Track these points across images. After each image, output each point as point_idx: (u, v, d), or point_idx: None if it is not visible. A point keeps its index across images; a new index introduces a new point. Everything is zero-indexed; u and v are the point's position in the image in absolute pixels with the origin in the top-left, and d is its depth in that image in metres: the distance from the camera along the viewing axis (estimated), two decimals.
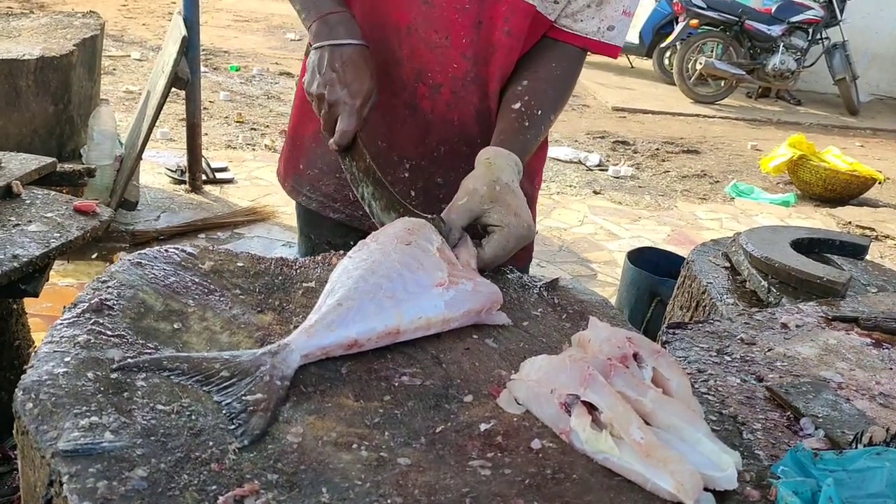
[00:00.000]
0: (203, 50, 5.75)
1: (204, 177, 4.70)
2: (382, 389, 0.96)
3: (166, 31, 4.76)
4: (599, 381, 0.91)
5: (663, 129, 8.04)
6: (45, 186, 2.13)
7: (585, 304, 1.28)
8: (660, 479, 0.83)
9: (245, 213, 4.38)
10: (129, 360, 0.91)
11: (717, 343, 1.31)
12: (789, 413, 1.10)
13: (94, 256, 3.66)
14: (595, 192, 5.82)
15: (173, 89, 3.94)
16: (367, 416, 0.91)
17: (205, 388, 0.90)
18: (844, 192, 6.27)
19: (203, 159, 4.73)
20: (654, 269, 3.18)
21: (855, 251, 2.11)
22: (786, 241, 2.00)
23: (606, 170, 6.43)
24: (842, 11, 9.63)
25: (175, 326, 1.02)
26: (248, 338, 1.02)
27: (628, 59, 10.41)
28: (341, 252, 1.25)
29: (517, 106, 1.41)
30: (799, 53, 9.48)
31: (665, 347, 1.25)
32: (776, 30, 9.33)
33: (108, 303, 1.02)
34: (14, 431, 0.85)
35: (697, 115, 8.79)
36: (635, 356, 0.99)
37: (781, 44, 9.35)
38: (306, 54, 1.63)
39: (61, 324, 0.96)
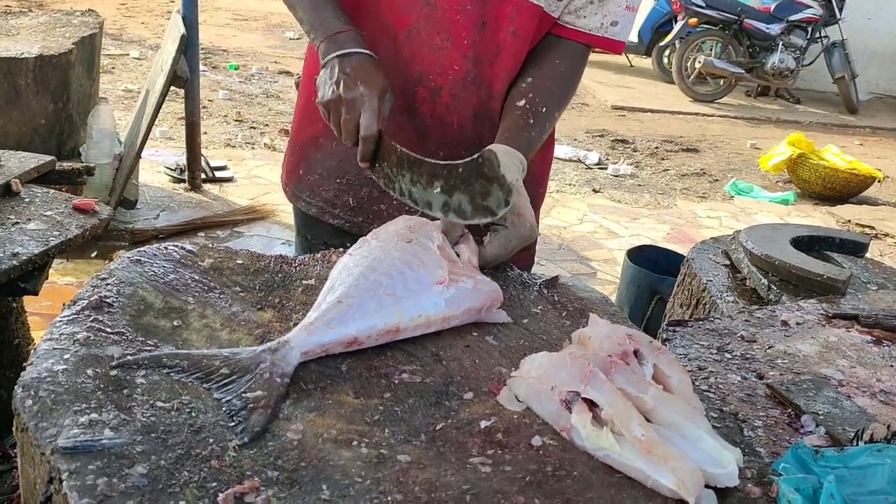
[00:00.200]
0: (202, 48, 5.75)
1: (203, 175, 4.70)
2: (383, 387, 0.96)
3: (165, 29, 4.76)
4: (600, 377, 0.91)
5: (662, 128, 8.04)
6: (44, 185, 2.13)
7: (585, 301, 1.28)
8: (661, 476, 0.83)
9: (244, 212, 4.38)
10: (128, 357, 0.91)
11: (717, 340, 1.31)
12: (790, 410, 1.09)
13: (93, 255, 3.65)
14: (594, 191, 5.82)
15: (172, 88, 3.93)
16: (368, 414, 0.91)
17: (205, 386, 0.90)
18: (844, 190, 6.27)
19: (202, 158, 4.72)
20: (654, 267, 3.18)
21: (855, 249, 2.11)
22: (786, 239, 2.00)
23: (606, 168, 6.43)
24: (841, 10, 9.63)
25: (175, 324, 1.02)
26: (247, 335, 1.02)
27: (627, 57, 10.40)
28: (341, 249, 1.25)
29: (521, 103, 1.40)
30: (798, 52, 9.48)
31: (665, 345, 1.25)
32: (775, 28, 9.33)
33: (107, 300, 1.02)
34: (14, 429, 0.85)
35: (697, 114, 8.79)
36: (636, 353, 0.99)
37: (780, 42, 9.34)
38: (307, 54, 1.63)
39: (61, 321, 0.96)
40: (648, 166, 6.72)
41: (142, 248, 1.16)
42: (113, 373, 0.89)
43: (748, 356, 1.26)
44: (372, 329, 1.01)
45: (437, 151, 1.47)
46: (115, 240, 3.80)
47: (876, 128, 9.39)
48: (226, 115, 6.31)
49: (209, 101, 6.44)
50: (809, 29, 9.51)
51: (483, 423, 0.91)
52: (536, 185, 1.62)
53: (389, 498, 0.78)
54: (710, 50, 9.41)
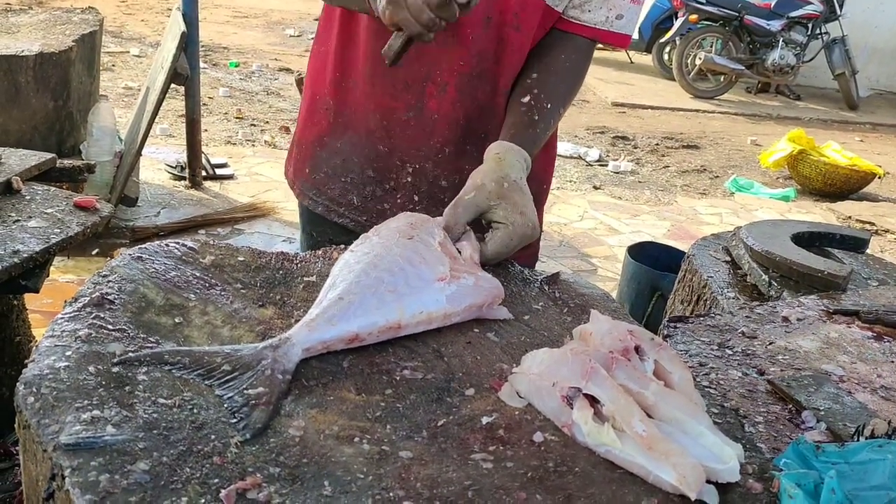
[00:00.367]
0: (202, 46, 5.74)
1: (204, 173, 4.70)
2: (384, 383, 0.96)
3: (165, 27, 4.76)
4: (601, 373, 0.91)
5: (663, 125, 8.04)
6: (44, 182, 2.13)
7: (586, 297, 1.28)
8: (662, 472, 0.83)
9: (245, 209, 4.38)
10: (130, 354, 0.91)
11: (718, 336, 1.31)
12: (791, 406, 1.10)
13: (94, 252, 3.65)
14: (595, 188, 5.82)
15: (173, 85, 3.94)
16: (369, 410, 0.91)
17: (206, 382, 0.90)
18: (844, 186, 6.27)
19: (203, 155, 4.73)
20: (655, 263, 3.18)
21: (855, 245, 2.11)
22: (786, 235, 2.00)
23: (606, 165, 6.43)
24: (841, 6, 9.62)
25: (176, 321, 1.02)
26: (249, 332, 1.02)
27: (627, 54, 10.40)
28: (342, 246, 1.24)
29: (526, 99, 1.40)
30: (798, 48, 9.48)
31: (666, 341, 1.25)
32: (775, 25, 9.32)
33: (108, 297, 1.02)
34: (16, 426, 0.85)
35: (697, 111, 8.79)
36: (637, 349, 0.99)
37: (781, 39, 9.34)
38: (311, 53, 1.62)
39: (62, 318, 0.96)
40: (649, 163, 6.72)
41: (143, 246, 1.16)
42: (115, 370, 0.89)
43: (749, 352, 1.26)
44: (373, 326, 1.01)
45: (444, 148, 1.46)
46: (116, 237, 3.80)
47: (876, 124, 9.39)
48: (226, 113, 6.31)
49: (209, 98, 6.44)
50: (810, 25, 9.51)
51: (484, 420, 0.91)
52: (540, 182, 1.62)
53: (391, 494, 0.78)
54: (711, 46, 9.41)
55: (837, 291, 1.67)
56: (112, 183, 3.89)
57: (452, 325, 1.10)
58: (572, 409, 0.90)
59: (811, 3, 9.42)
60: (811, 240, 2.06)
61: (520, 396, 0.96)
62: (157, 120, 4.03)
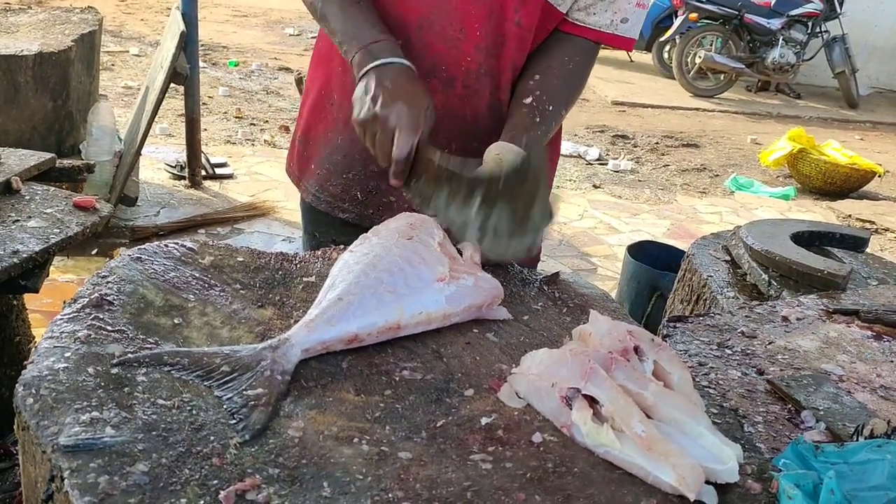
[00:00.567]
0: (202, 45, 5.74)
1: (203, 172, 4.69)
2: (383, 384, 0.96)
3: (165, 26, 4.75)
4: (600, 374, 0.91)
5: (663, 123, 8.04)
6: (44, 182, 2.13)
7: (586, 297, 1.28)
8: (661, 473, 0.83)
9: (245, 209, 4.38)
10: (129, 355, 0.91)
11: (717, 336, 1.31)
12: (790, 406, 1.10)
13: (93, 252, 3.65)
14: (595, 187, 5.82)
15: (172, 85, 3.93)
16: (369, 411, 0.91)
17: (206, 383, 0.90)
18: (844, 185, 6.27)
19: (202, 155, 4.72)
20: (655, 262, 3.18)
21: (855, 244, 2.11)
22: (786, 235, 2.00)
23: (606, 164, 6.42)
24: (841, 4, 9.61)
25: (175, 321, 1.02)
26: (248, 332, 1.02)
27: (627, 53, 10.39)
28: (342, 246, 1.24)
29: (528, 101, 1.40)
30: (798, 47, 9.47)
31: (666, 341, 1.25)
32: (775, 23, 9.31)
33: (108, 298, 1.02)
34: (15, 427, 0.85)
35: (697, 109, 8.78)
36: (636, 349, 0.99)
37: (781, 37, 9.33)
38: (315, 50, 1.62)
39: (61, 319, 0.96)
40: (649, 162, 6.71)
41: (142, 246, 1.16)
42: (114, 371, 0.89)
43: (748, 352, 1.26)
44: (373, 326, 1.01)
45: (450, 143, 1.46)
46: (116, 237, 3.80)
47: (876, 122, 9.38)
48: (226, 112, 6.30)
49: (209, 97, 6.44)
50: (810, 24, 9.50)
51: (484, 420, 0.92)
52: None
53: (390, 495, 0.78)
54: (711, 45, 9.40)
55: (837, 291, 1.67)
56: (111, 183, 3.88)
57: (452, 326, 1.10)
58: (571, 409, 0.90)
59: (811, 2, 9.41)
60: (811, 239, 2.06)
61: (519, 397, 0.96)
62: (156, 119, 4.02)
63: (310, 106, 1.59)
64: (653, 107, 8.62)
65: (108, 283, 1.05)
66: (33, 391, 0.83)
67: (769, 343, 1.30)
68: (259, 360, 0.93)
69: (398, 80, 1.25)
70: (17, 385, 0.84)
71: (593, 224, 5.04)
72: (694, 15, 9.17)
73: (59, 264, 3.46)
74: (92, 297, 1.01)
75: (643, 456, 0.84)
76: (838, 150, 6.42)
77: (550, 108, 1.40)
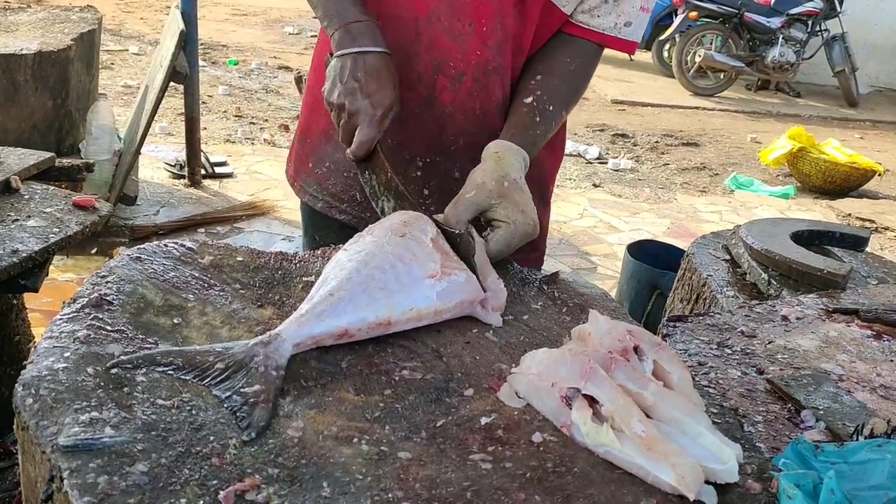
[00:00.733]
0: (201, 44, 5.73)
1: (203, 171, 4.69)
2: (383, 383, 0.96)
3: (164, 25, 4.75)
4: (600, 374, 0.91)
5: (662, 122, 8.04)
6: (43, 181, 2.13)
7: (586, 297, 1.28)
8: (661, 472, 0.83)
9: (244, 208, 4.38)
10: (122, 357, 0.91)
11: (717, 336, 1.31)
12: (790, 405, 1.10)
13: (93, 251, 3.65)
14: (595, 185, 5.82)
15: (172, 83, 3.93)
16: (368, 411, 0.91)
17: (202, 383, 0.90)
18: (844, 184, 6.27)
19: (202, 154, 4.72)
20: (654, 261, 3.18)
21: (855, 243, 2.10)
22: (786, 234, 2.00)
23: (606, 163, 6.42)
24: (841, 3, 9.61)
25: (175, 321, 1.02)
26: (248, 332, 1.02)
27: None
28: (340, 246, 1.24)
29: (529, 100, 1.40)
30: (798, 45, 9.47)
31: (665, 340, 1.25)
32: (775, 22, 9.31)
33: (107, 298, 1.02)
34: (14, 427, 0.85)
35: (697, 108, 8.78)
36: (636, 349, 0.99)
37: (781, 36, 9.33)
38: (316, 48, 1.61)
39: (61, 319, 0.96)
40: (649, 161, 6.71)
41: (142, 246, 1.16)
42: (113, 371, 0.89)
43: (748, 351, 1.26)
44: (363, 322, 1.01)
45: (458, 139, 1.45)
46: (115, 236, 3.80)
47: (876, 121, 9.39)
48: (225, 111, 6.30)
49: (209, 96, 6.44)
50: (810, 22, 9.50)
51: (483, 420, 0.91)
52: (548, 181, 1.61)
53: (390, 495, 0.78)
54: (711, 44, 9.40)
55: (837, 290, 1.67)
56: (111, 182, 3.88)
57: (451, 325, 1.10)
58: (571, 409, 0.90)
59: (811, 0, 9.41)
60: (811, 238, 2.06)
61: (519, 397, 0.96)
62: (156, 118, 4.02)
63: (311, 104, 1.58)
64: (652, 105, 8.62)
65: (107, 282, 1.05)
66: (33, 391, 0.83)
67: (769, 342, 1.30)
68: (252, 355, 0.93)
69: (370, 73, 1.30)
70: (16, 385, 0.84)
71: (593, 223, 5.04)
72: (694, 13, 9.17)
73: (59, 263, 3.46)
74: (91, 296, 1.01)
75: (643, 456, 0.84)
76: (838, 148, 6.42)
77: (551, 107, 1.40)
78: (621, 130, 7.46)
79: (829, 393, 1.12)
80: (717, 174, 6.56)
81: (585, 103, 8.19)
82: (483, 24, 1.38)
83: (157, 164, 4.81)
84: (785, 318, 1.41)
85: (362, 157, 1.32)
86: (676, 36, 9.33)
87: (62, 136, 3.80)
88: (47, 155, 2.22)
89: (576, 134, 7.09)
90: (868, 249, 2.14)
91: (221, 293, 1.10)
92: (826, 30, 9.58)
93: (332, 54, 1.34)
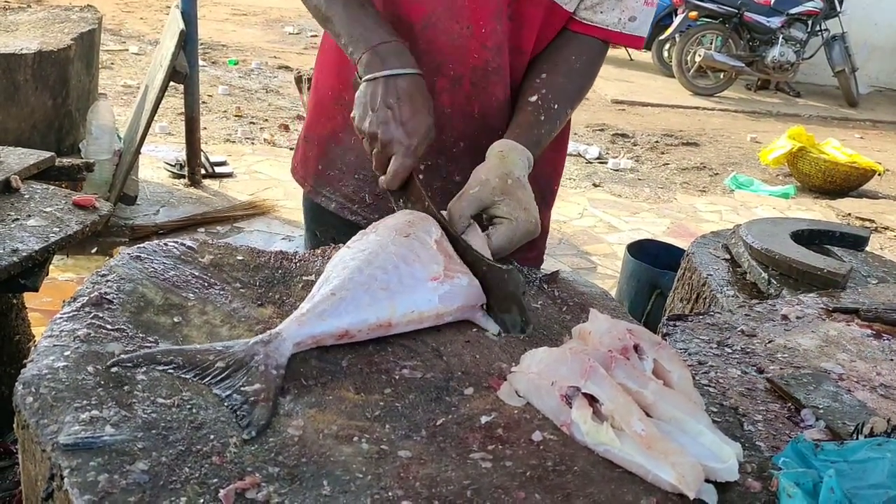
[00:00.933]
0: (201, 44, 5.73)
1: (203, 171, 4.69)
2: (383, 382, 0.96)
3: (164, 24, 4.75)
4: (600, 372, 0.91)
5: (662, 122, 8.04)
6: (43, 181, 2.13)
7: (586, 296, 1.28)
8: (661, 471, 0.83)
9: (244, 208, 4.38)
10: (123, 356, 0.91)
11: (717, 335, 1.31)
12: (790, 404, 1.10)
13: (93, 251, 3.65)
14: (595, 185, 5.82)
15: (171, 83, 3.93)
16: (368, 409, 0.91)
17: (203, 382, 0.90)
18: (844, 183, 6.27)
19: (202, 153, 4.72)
20: (654, 261, 3.18)
21: (855, 242, 2.10)
22: (786, 233, 2.00)
23: (606, 162, 6.42)
24: (841, 3, 9.61)
25: (175, 320, 1.02)
26: (248, 331, 1.02)
27: (627, 51, 10.39)
28: (341, 245, 1.24)
29: (534, 99, 1.39)
30: (798, 45, 9.47)
31: (666, 339, 1.25)
32: (775, 21, 9.31)
33: (107, 297, 1.02)
34: (15, 426, 0.85)
35: (697, 108, 8.78)
36: (636, 348, 0.99)
37: (781, 36, 9.33)
38: (321, 47, 1.61)
39: (61, 318, 0.96)
40: (648, 160, 6.71)
41: (142, 245, 1.16)
42: (113, 369, 0.89)
43: (748, 350, 1.26)
44: (364, 323, 1.01)
45: (458, 142, 1.45)
46: (115, 236, 3.80)
47: (876, 121, 9.39)
48: (225, 111, 6.30)
49: (209, 96, 6.44)
50: (810, 22, 9.50)
51: (483, 419, 0.92)
52: (550, 182, 1.61)
53: (390, 493, 0.78)
54: (711, 43, 9.41)
55: (837, 289, 1.67)
56: (111, 181, 3.88)
57: (451, 324, 1.10)
58: (571, 408, 0.90)
59: (811, 0, 9.41)
60: (811, 237, 2.06)
61: (519, 395, 0.96)
62: (156, 118, 4.03)
63: (319, 105, 1.58)
64: (652, 105, 8.62)
65: (107, 281, 1.05)
66: (33, 390, 0.83)
67: (769, 341, 1.30)
68: (252, 354, 0.93)
69: (403, 99, 1.24)
70: (16, 384, 0.84)
71: (593, 223, 5.04)
72: (694, 13, 9.17)
73: (59, 263, 3.46)
74: (91, 295, 1.01)
75: (643, 454, 0.84)
76: (838, 148, 6.42)
77: (556, 106, 1.40)
78: (621, 130, 7.46)
79: (829, 392, 1.12)
80: (716, 174, 6.56)
81: (585, 103, 8.17)
82: (481, 25, 1.37)
83: (157, 163, 4.81)
84: (785, 317, 1.41)
85: (396, 187, 1.27)
86: (676, 36, 9.33)
87: (62, 136, 3.80)
88: (47, 154, 2.22)
89: (576, 134, 7.09)
90: (868, 249, 2.14)
91: (222, 292, 1.10)
92: (826, 29, 9.58)
93: (360, 77, 1.29)
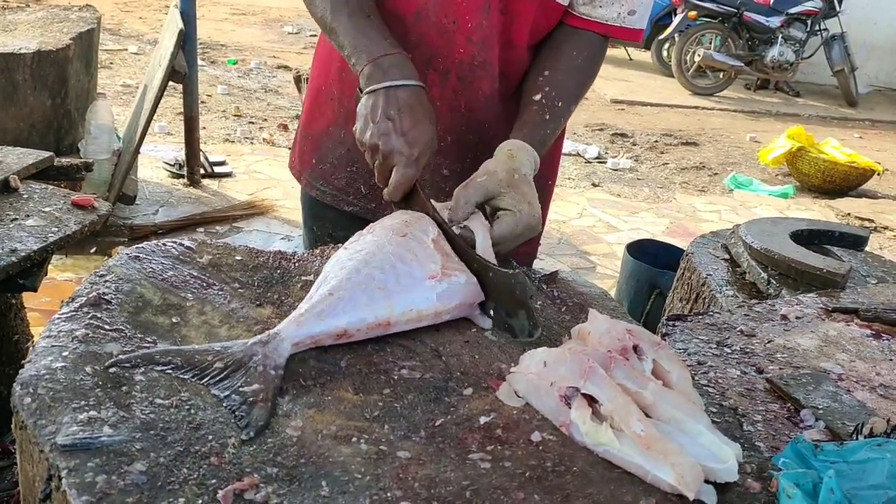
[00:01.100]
0: (200, 43, 5.73)
1: (202, 171, 4.69)
2: (382, 383, 0.96)
3: (163, 24, 4.75)
4: (599, 373, 0.91)
5: (662, 122, 8.03)
6: (42, 181, 2.12)
7: (585, 296, 1.28)
8: (660, 472, 0.83)
9: (243, 207, 4.37)
10: (121, 356, 0.91)
11: (717, 335, 1.31)
12: (790, 405, 1.09)
13: (92, 251, 3.65)
14: (594, 185, 5.82)
15: (171, 83, 3.92)
16: (367, 410, 0.91)
17: (201, 382, 0.90)
18: (843, 183, 6.27)
19: (201, 153, 4.71)
20: (654, 261, 3.18)
21: (855, 242, 2.10)
22: (785, 233, 1.99)
23: (605, 162, 6.42)
24: (840, 2, 9.61)
25: (173, 320, 1.02)
26: (246, 331, 1.02)
27: (626, 51, 10.40)
28: (339, 245, 1.24)
29: (538, 97, 1.40)
30: (797, 45, 9.46)
31: (665, 339, 1.25)
32: (775, 21, 9.31)
33: (106, 297, 1.01)
34: (13, 426, 0.84)
35: (696, 107, 8.78)
36: (635, 348, 0.99)
37: (780, 35, 9.32)
38: (318, 46, 1.62)
39: (59, 318, 0.96)
40: (648, 160, 6.71)
41: (140, 245, 1.16)
42: (112, 370, 0.89)
43: (748, 350, 1.26)
44: (362, 322, 1.01)
45: (446, 136, 1.46)
46: (114, 235, 3.79)
47: (875, 121, 9.39)
48: (224, 110, 6.30)
49: (208, 96, 6.43)
50: (809, 22, 9.49)
51: (482, 419, 0.91)
52: (546, 177, 1.61)
53: (389, 494, 0.78)
54: (710, 43, 9.40)
55: (836, 289, 1.67)
56: (110, 181, 3.88)
57: (450, 325, 1.10)
58: (570, 408, 0.90)
59: (810, 0, 9.41)
60: (810, 237, 2.06)
61: (518, 396, 0.96)
62: (155, 118, 4.02)
63: (312, 101, 1.59)
64: (652, 105, 8.62)
65: (106, 281, 1.05)
66: (31, 390, 0.83)
67: (768, 342, 1.30)
68: (251, 355, 0.93)
69: (404, 110, 1.24)
70: (14, 384, 0.84)
71: (592, 222, 5.04)
72: (693, 13, 9.17)
73: (58, 263, 3.45)
74: (90, 296, 1.01)
75: (642, 455, 0.84)
76: (837, 148, 6.42)
77: (560, 104, 1.40)
78: (620, 130, 7.46)
79: (829, 392, 1.12)
80: (716, 174, 6.56)
81: (585, 103, 8.18)
82: (467, 20, 1.38)
83: (156, 163, 4.80)
84: (784, 317, 1.41)
85: (399, 198, 1.25)
86: (676, 35, 9.32)
87: (61, 136, 3.80)
88: (46, 154, 2.22)
89: (575, 133, 7.09)
90: (867, 249, 2.14)
91: (220, 292, 1.10)
92: (825, 29, 9.58)
93: (361, 90, 1.29)
